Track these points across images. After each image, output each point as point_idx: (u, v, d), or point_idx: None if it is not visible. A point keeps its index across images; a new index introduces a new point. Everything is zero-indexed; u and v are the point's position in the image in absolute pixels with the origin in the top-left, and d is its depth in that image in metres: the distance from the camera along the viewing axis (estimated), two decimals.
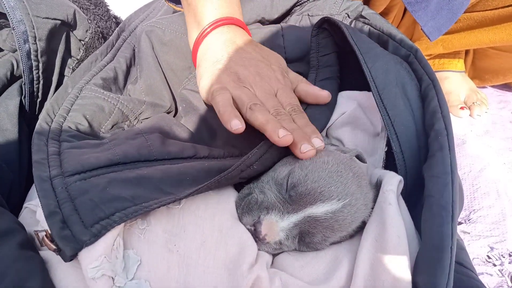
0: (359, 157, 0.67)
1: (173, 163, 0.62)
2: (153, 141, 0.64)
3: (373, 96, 0.65)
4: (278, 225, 0.54)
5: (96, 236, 0.43)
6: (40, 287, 0.43)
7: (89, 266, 0.42)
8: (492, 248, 0.97)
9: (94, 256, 0.43)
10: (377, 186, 0.61)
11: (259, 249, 0.55)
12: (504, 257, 0.95)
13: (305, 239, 0.56)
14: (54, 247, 0.44)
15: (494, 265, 0.94)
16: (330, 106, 0.73)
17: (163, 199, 0.50)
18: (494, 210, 1.04)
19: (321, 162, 0.58)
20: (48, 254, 0.50)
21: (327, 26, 0.77)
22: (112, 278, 0.44)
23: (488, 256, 0.96)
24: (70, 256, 0.43)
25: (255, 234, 0.54)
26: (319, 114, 0.71)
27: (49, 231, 0.45)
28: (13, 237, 0.48)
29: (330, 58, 0.77)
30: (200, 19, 0.74)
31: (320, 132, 0.70)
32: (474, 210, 1.05)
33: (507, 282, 0.90)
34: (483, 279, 0.91)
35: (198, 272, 0.47)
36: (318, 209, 0.54)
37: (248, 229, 0.55)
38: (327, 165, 0.57)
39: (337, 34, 0.76)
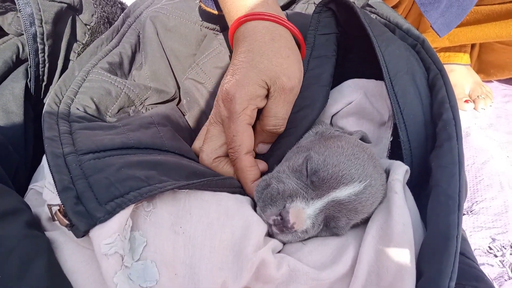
0: (363, 139, 0.67)
1: (182, 158, 0.63)
2: (165, 133, 0.65)
3: (385, 82, 0.64)
4: (305, 212, 0.53)
5: (111, 214, 0.43)
6: (46, 266, 0.44)
7: (103, 242, 0.42)
8: (493, 239, 0.97)
9: (108, 232, 0.43)
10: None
11: (283, 241, 0.55)
12: (505, 248, 0.95)
13: (330, 224, 0.55)
14: (67, 222, 0.44)
15: (496, 256, 0.94)
16: (326, 86, 0.70)
17: (175, 181, 0.50)
18: (497, 202, 1.04)
19: (335, 146, 0.58)
20: (54, 234, 0.50)
21: (333, 6, 0.74)
22: (122, 257, 0.44)
23: (489, 247, 0.96)
24: (83, 231, 0.43)
25: (283, 224, 0.52)
26: (318, 95, 0.69)
27: (63, 206, 0.45)
28: (20, 216, 0.49)
29: (329, 38, 0.73)
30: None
31: (321, 110, 0.69)
32: (476, 201, 1.05)
33: (508, 273, 0.91)
34: (484, 269, 0.91)
35: (204, 253, 0.48)
36: (342, 193, 0.53)
37: (273, 220, 0.53)
38: (342, 149, 0.57)
39: (343, 16, 0.74)
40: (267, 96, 0.63)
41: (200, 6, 0.86)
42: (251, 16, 0.64)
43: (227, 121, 0.61)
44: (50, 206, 0.47)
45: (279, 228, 0.53)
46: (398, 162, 0.60)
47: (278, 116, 0.63)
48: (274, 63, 0.60)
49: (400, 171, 0.57)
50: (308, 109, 0.68)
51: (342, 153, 0.56)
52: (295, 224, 0.52)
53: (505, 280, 0.89)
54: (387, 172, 0.60)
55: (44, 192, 0.52)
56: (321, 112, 0.70)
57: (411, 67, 0.66)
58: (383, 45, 0.65)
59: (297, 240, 0.55)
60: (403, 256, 0.50)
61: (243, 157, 0.61)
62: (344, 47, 0.76)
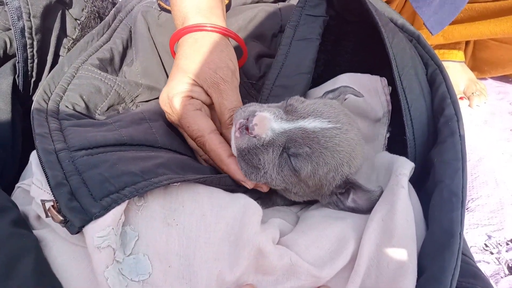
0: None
1: (175, 154, 0.62)
2: (158, 130, 0.64)
3: (394, 77, 0.62)
4: (269, 121, 0.55)
5: (106, 209, 0.42)
6: (33, 264, 0.42)
7: (96, 234, 0.42)
8: (489, 237, 0.97)
9: (102, 225, 0.42)
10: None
11: (239, 146, 0.55)
12: (501, 245, 0.95)
13: (291, 149, 0.55)
14: (61, 218, 0.43)
15: (492, 253, 0.94)
16: (307, 73, 0.70)
17: (172, 176, 0.49)
18: (493, 199, 1.04)
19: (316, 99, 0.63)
20: (42, 232, 0.49)
21: None
22: (114, 250, 0.43)
23: (485, 244, 0.96)
24: (78, 227, 0.42)
25: (247, 126, 0.54)
26: (298, 83, 0.69)
27: (56, 202, 0.44)
28: (6, 215, 0.47)
29: (316, 21, 0.70)
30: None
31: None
32: (472, 199, 1.05)
33: (504, 270, 0.90)
34: (481, 266, 0.91)
35: (199, 244, 0.47)
36: (309, 123, 0.55)
37: (239, 124, 0.55)
38: (320, 100, 0.62)
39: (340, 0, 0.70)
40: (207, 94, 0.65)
41: (159, 4, 0.87)
42: (178, 35, 0.68)
43: (179, 122, 0.62)
44: (43, 202, 0.45)
45: (241, 131, 0.55)
46: (404, 158, 0.59)
47: (227, 107, 0.63)
48: (196, 61, 0.63)
49: (408, 166, 0.56)
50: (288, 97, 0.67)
51: (319, 102, 0.60)
52: (256, 126, 0.54)
53: (501, 277, 0.89)
54: (389, 166, 0.59)
55: (31, 189, 0.51)
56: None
57: (414, 61, 0.65)
58: (390, 36, 0.62)
59: (252, 148, 0.55)
60: (405, 251, 0.49)
61: (208, 137, 0.60)
62: (337, 33, 0.74)
